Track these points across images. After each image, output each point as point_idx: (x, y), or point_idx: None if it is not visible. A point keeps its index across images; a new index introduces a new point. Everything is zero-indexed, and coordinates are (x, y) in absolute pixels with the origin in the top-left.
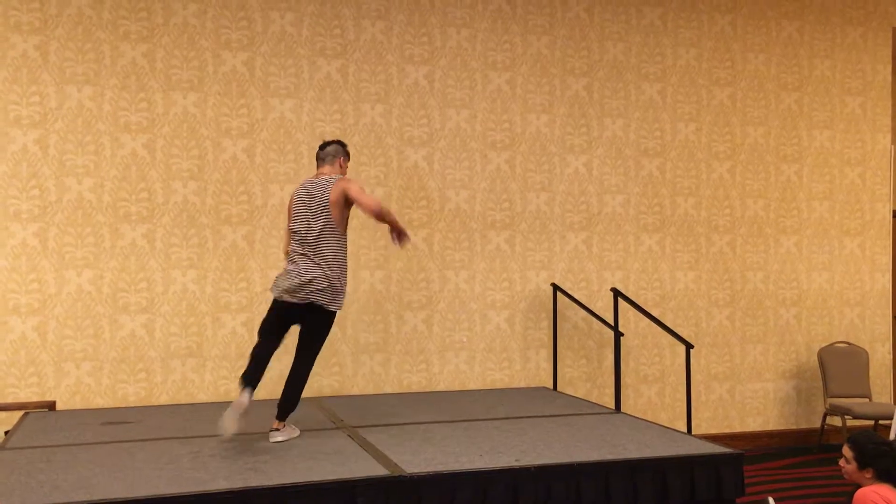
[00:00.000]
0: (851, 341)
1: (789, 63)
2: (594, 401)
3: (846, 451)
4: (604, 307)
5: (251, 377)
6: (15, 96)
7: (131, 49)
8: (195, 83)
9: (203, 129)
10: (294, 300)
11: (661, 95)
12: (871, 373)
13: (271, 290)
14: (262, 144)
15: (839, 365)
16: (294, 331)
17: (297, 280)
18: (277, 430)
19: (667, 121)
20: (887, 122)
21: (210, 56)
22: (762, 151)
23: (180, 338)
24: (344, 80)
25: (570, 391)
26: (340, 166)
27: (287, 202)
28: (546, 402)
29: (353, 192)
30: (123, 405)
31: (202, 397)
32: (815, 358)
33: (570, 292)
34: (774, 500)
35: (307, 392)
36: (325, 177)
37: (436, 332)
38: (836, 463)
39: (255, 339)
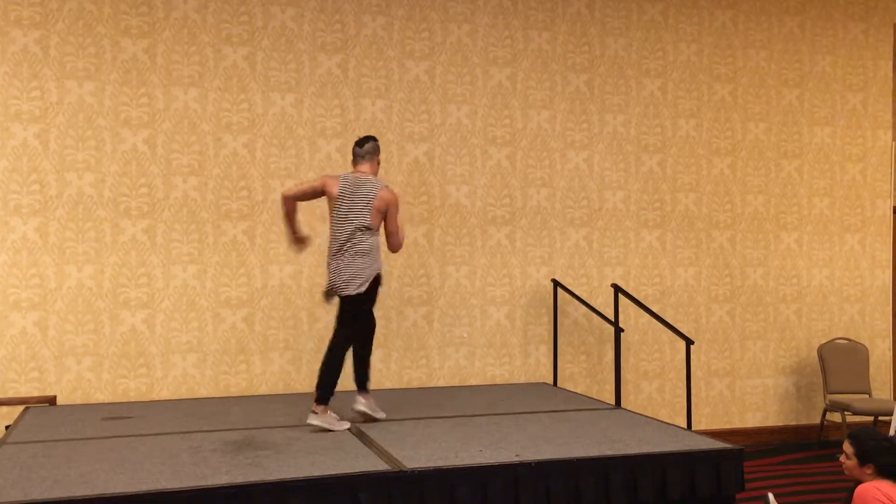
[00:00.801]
0: (851, 337)
1: (790, 59)
2: (594, 396)
3: (847, 447)
4: (604, 303)
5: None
6: (16, 91)
7: (132, 44)
8: (196, 78)
9: (204, 125)
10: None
11: (661, 91)
12: (871, 369)
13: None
14: (263, 139)
15: (839, 361)
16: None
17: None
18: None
19: (667, 117)
20: (888, 119)
21: (211, 51)
22: (763, 147)
23: (181, 333)
24: (344, 76)
25: (570, 387)
26: (378, 163)
27: (320, 179)
28: (546, 397)
29: (392, 211)
30: (124, 400)
31: (203, 392)
32: (815, 354)
33: (570, 288)
34: (774, 495)
35: (306, 387)
36: (369, 176)
37: (436, 328)
38: (836, 459)
39: (255, 333)
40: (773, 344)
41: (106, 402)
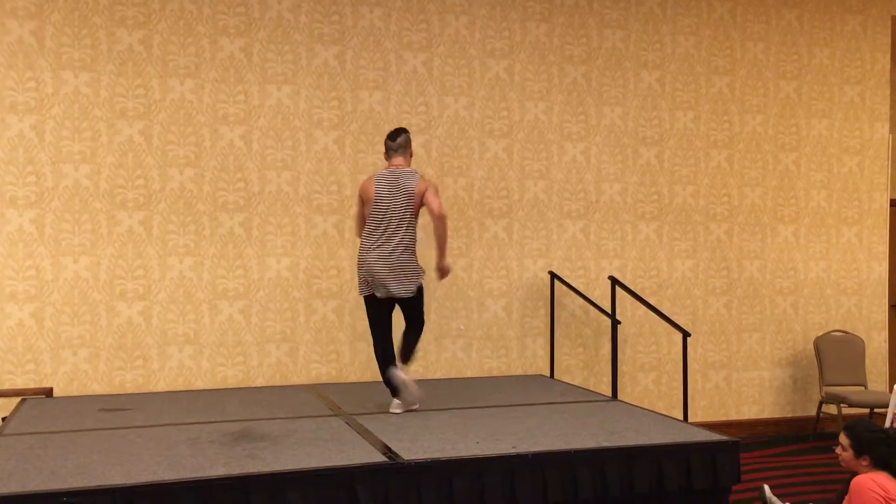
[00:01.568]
0: (848, 330)
1: (788, 51)
2: (591, 388)
3: (843, 438)
4: (601, 295)
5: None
6: (11, 82)
7: (128, 35)
8: (192, 69)
9: (200, 116)
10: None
11: (659, 83)
12: (867, 361)
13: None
14: (260, 131)
15: (835, 353)
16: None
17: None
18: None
19: (665, 109)
20: (886, 111)
21: (207, 42)
22: (760, 140)
23: (177, 325)
24: (342, 67)
25: (567, 379)
26: (411, 155)
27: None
28: (543, 389)
29: (430, 193)
30: (121, 392)
31: (200, 384)
32: (811, 346)
33: (567, 280)
34: (770, 487)
35: (303, 379)
36: (405, 169)
37: (433, 320)
38: (832, 451)
39: (252, 325)
40: (770, 336)
41: (102, 393)
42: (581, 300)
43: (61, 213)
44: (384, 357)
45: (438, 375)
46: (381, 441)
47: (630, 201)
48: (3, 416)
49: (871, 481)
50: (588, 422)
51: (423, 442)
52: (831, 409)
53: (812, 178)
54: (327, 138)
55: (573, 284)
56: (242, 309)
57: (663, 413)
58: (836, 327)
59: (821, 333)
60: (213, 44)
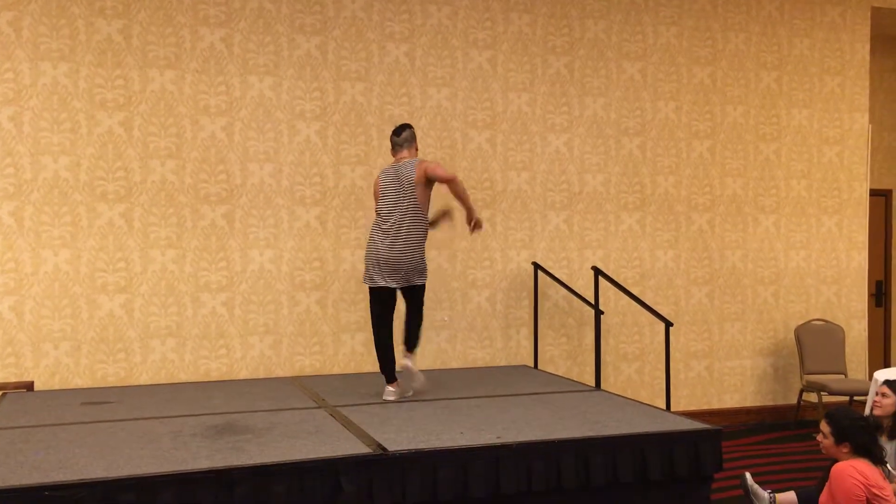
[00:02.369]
0: (828, 319)
1: (769, 42)
2: (574, 378)
3: (823, 426)
4: (584, 286)
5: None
6: None
7: (107, 25)
8: (172, 60)
9: (181, 107)
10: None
11: (641, 74)
12: (846, 349)
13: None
14: (241, 122)
15: (816, 342)
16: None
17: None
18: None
19: (647, 100)
20: (865, 102)
21: (187, 32)
22: (741, 130)
23: (159, 318)
24: (324, 58)
25: (550, 369)
26: (416, 150)
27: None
28: (527, 380)
29: (431, 167)
30: (103, 385)
31: (182, 377)
32: (792, 335)
33: (551, 271)
34: (752, 475)
35: (287, 371)
36: (406, 159)
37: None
38: (813, 438)
39: (235, 317)
40: (751, 326)
41: (84, 387)
42: (564, 291)
43: (41, 206)
44: (386, 348)
45: (423, 366)
46: (365, 432)
47: (613, 192)
48: None
49: (851, 468)
50: (572, 412)
51: (407, 433)
52: (812, 397)
53: (792, 168)
54: (310, 129)
55: (557, 275)
56: (225, 301)
57: (646, 402)
58: (817, 316)
59: (801, 322)
60: (193, 34)
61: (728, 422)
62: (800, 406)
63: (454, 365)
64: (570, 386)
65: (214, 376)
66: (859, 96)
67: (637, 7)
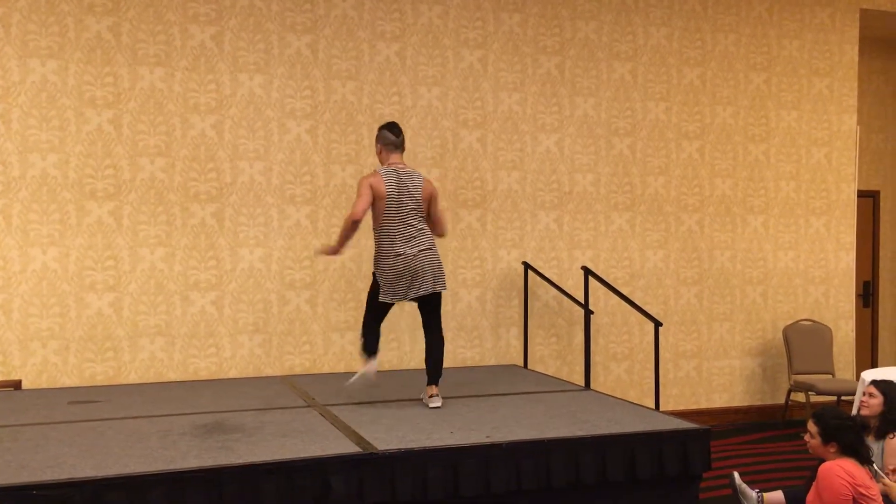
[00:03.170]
0: (816, 319)
1: (758, 43)
2: (564, 378)
3: (811, 426)
4: (574, 285)
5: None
6: None
7: (96, 22)
8: (162, 58)
9: (170, 105)
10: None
11: (631, 75)
12: (834, 349)
13: None
14: (231, 121)
15: (803, 342)
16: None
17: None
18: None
19: (637, 100)
20: (853, 103)
21: (177, 30)
22: (731, 131)
23: (148, 316)
24: (314, 56)
25: (540, 368)
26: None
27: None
28: (516, 379)
29: (438, 203)
30: (91, 384)
31: (171, 376)
32: (780, 335)
33: (540, 271)
34: (740, 474)
35: (277, 370)
36: (408, 168)
37: (407, 311)
38: (800, 438)
39: (224, 316)
40: (740, 326)
41: (72, 386)
42: (554, 290)
43: (29, 204)
44: (377, 330)
45: (413, 366)
46: (355, 432)
47: (603, 192)
48: None
49: (838, 468)
50: (561, 411)
51: (397, 432)
52: (800, 396)
53: (781, 169)
54: (300, 128)
55: (546, 275)
56: (215, 300)
57: (635, 402)
58: (805, 316)
59: (789, 323)
60: (183, 32)
61: (716, 421)
62: (787, 406)
63: (444, 364)
64: (559, 385)
65: (204, 375)
66: (848, 98)
67: (627, 8)
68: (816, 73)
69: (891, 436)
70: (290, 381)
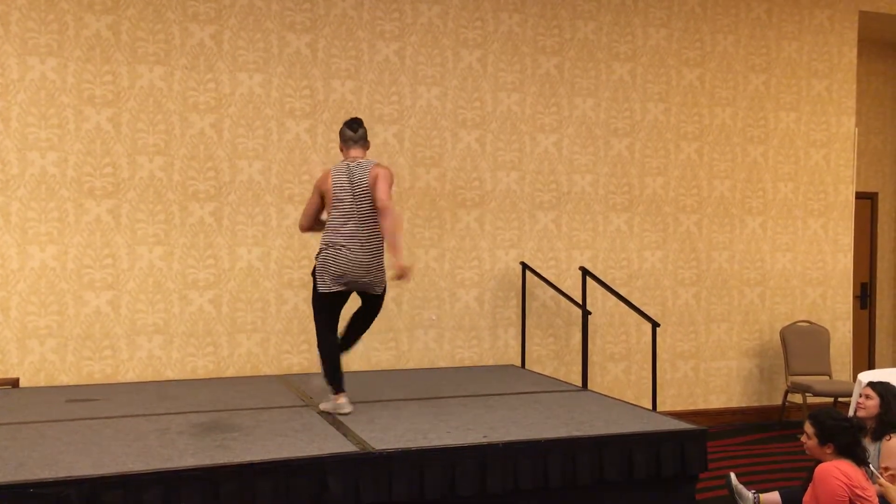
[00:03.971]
0: (813, 320)
1: (757, 45)
2: (562, 378)
3: (807, 427)
4: (572, 286)
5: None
6: None
7: (95, 20)
8: (161, 56)
9: (170, 104)
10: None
11: (631, 75)
12: (831, 351)
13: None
14: (230, 119)
15: (801, 343)
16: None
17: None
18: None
19: (636, 101)
20: (852, 105)
21: (177, 29)
22: (729, 132)
23: (147, 315)
24: (314, 56)
25: (538, 369)
26: (368, 147)
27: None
28: (514, 379)
29: (382, 174)
30: (89, 382)
31: (169, 374)
32: (777, 336)
33: (539, 271)
34: (736, 475)
35: (274, 369)
36: (362, 160)
37: (405, 310)
38: (797, 439)
39: (222, 315)
40: (737, 327)
41: (70, 384)
42: (552, 291)
43: (27, 202)
44: (338, 355)
45: (410, 365)
46: (352, 431)
47: (601, 193)
48: None
49: (834, 469)
50: (558, 411)
51: (394, 432)
52: (796, 398)
53: (780, 171)
54: (299, 127)
55: (545, 275)
56: (213, 299)
57: (632, 402)
58: (802, 318)
59: (787, 324)
60: (182, 30)
61: (713, 422)
62: (784, 407)
63: (441, 364)
64: (557, 386)
65: (201, 374)
66: (846, 99)
67: (627, 9)
68: (815, 75)
69: (887, 437)
70: (288, 381)
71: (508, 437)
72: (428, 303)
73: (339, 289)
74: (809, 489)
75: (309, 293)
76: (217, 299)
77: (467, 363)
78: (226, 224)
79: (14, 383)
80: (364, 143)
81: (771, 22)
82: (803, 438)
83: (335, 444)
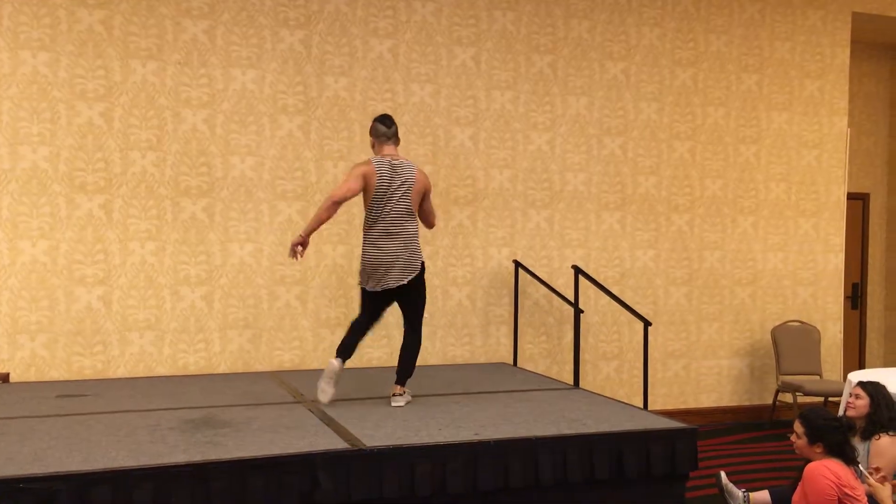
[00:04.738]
0: (804, 320)
1: (750, 45)
2: (553, 377)
3: (797, 426)
4: (564, 284)
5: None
6: None
7: (88, 15)
8: (154, 51)
9: (162, 99)
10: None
11: (624, 74)
12: (822, 351)
13: None
14: (223, 115)
15: (791, 343)
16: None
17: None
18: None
19: (629, 100)
20: (844, 106)
21: (170, 24)
22: (722, 132)
23: (138, 310)
24: (307, 52)
25: (530, 367)
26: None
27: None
28: (506, 377)
29: (430, 197)
30: (79, 378)
31: (161, 370)
32: (768, 336)
33: (531, 269)
34: (726, 474)
35: (266, 366)
36: (402, 159)
37: (397, 308)
38: (787, 438)
39: (214, 311)
40: (729, 326)
41: (61, 379)
42: (545, 289)
43: (18, 196)
44: (361, 333)
45: None
46: (343, 428)
47: (594, 191)
48: None
49: (824, 468)
50: (550, 409)
51: (385, 429)
52: (787, 397)
53: (771, 171)
54: (292, 124)
55: (537, 273)
56: (205, 295)
57: (624, 401)
58: (793, 317)
59: (778, 323)
60: (175, 25)
61: (704, 421)
62: (775, 406)
63: (433, 362)
64: (548, 384)
65: (193, 370)
66: (838, 100)
67: (621, 8)
68: (808, 76)
69: (876, 437)
70: (279, 377)
71: (499, 435)
72: None
73: (374, 289)
74: (799, 488)
75: (302, 290)
76: (209, 295)
77: (459, 361)
78: (218, 220)
79: (4, 378)
80: (397, 139)
81: (764, 22)
82: (793, 438)
83: (326, 441)
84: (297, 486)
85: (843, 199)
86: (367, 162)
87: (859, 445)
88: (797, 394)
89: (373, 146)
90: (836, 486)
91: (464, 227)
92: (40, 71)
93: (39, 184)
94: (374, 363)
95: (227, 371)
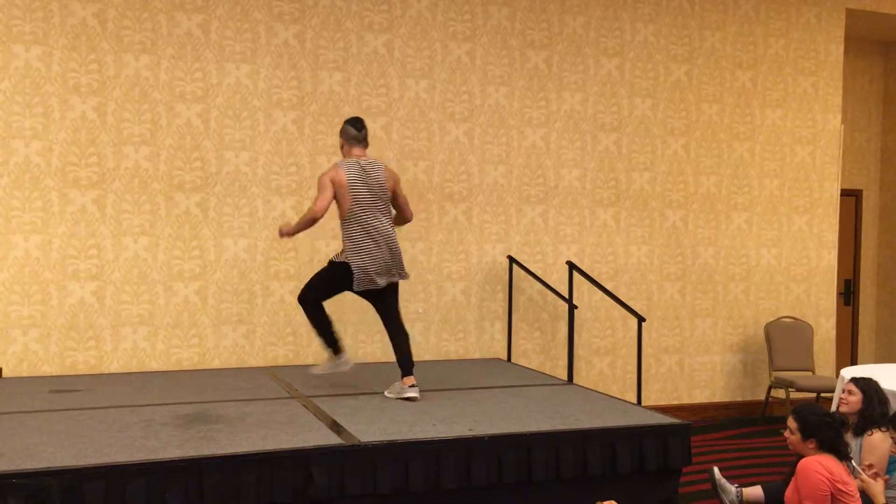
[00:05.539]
0: (797, 316)
1: (745, 41)
2: (547, 372)
3: (790, 422)
4: (559, 280)
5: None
6: None
7: (81, 8)
8: (148, 45)
9: (156, 93)
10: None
11: (619, 70)
12: (815, 347)
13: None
14: (217, 110)
15: (784, 339)
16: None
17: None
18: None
19: (624, 96)
20: (838, 103)
21: (164, 18)
22: (716, 128)
23: (131, 305)
24: (302, 47)
25: (523, 363)
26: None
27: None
28: (500, 373)
29: (401, 190)
30: (72, 373)
31: (154, 366)
32: (761, 332)
33: (525, 265)
34: (720, 469)
35: (260, 361)
36: (371, 159)
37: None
38: (780, 434)
39: (208, 306)
40: (722, 322)
41: (53, 374)
42: (539, 285)
43: (11, 191)
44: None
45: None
46: (337, 423)
47: (588, 187)
48: None
49: (817, 464)
50: (543, 405)
51: (379, 424)
52: (780, 393)
53: (765, 167)
54: (286, 119)
55: (531, 269)
56: (198, 290)
57: (617, 397)
58: (786, 314)
59: (771, 319)
60: (169, 19)
61: (697, 416)
62: (768, 402)
63: (427, 357)
64: (542, 379)
65: (186, 365)
66: (832, 97)
67: (616, 3)
68: (802, 72)
69: (869, 433)
70: (273, 373)
71: (493, 431)
72: (414, 296)
73: (374, 287)
74: (792, 483)
75: (296, 285)
76: (203, 290)
77: (453, 356)
78: (212, 215)
79: None
80: (366, 143)
81: (758, 19)
82: (786, 433)
83: (320, 437)
84: (291, 482)
85: (837, 195)
86: (334, 167)
87: (852, 441)
88: (790, 390)
89: (342, 147)
90: (829, 481)
91: (458, 223)
92: (33, 65)
93: (32, 178)
94: (369, 358)
95: (221, 366)
